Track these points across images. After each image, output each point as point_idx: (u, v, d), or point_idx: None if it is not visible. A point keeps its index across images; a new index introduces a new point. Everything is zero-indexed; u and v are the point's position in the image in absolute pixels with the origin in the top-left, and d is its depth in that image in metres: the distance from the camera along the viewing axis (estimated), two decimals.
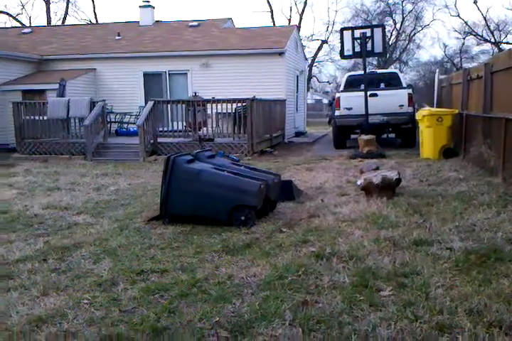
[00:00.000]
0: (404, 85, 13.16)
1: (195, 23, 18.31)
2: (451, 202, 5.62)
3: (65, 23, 35.43)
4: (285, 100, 15.24)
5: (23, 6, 39.48)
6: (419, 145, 10.63)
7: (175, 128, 12.04)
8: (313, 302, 3.10)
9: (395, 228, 4.65)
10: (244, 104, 11.63)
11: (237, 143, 11.62)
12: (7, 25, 34.52)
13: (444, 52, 41.22)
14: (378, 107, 11.62)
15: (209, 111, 12.00)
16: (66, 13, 37.53)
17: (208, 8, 59.27)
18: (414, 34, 40.56)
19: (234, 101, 11.77)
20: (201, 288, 3.38)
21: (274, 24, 37.56)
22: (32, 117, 12.25)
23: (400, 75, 14.10)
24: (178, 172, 5.09)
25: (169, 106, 12.30)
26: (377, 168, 7.20)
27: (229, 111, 11.77)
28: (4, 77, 14.61)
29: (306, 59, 24.76)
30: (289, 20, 40.06)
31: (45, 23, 34.81)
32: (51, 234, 4.95)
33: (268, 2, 40.01)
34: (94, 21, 37.06)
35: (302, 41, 23.99)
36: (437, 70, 18.06)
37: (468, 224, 4.69)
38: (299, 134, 17.98)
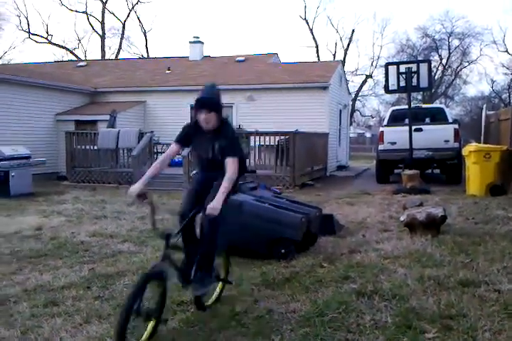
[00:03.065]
0: (450, 120, 12.97)
1: (241, 58, 18.82)
2: (500, 242, 5.43)
3: (118, 57, 37.16)
4: (328, 133, 15.28)
5: (79, 40, 41.81)
6: (464, 181, 10.38)
7: None
8: None
9: (440, 267, 4.52)
10: (286, 136, 11.73)
11: (279, 175, 11.67)
12: (64, 59, 36.55)
13: (492, 87, 40.52)
14: (423, 142, 11.48)
15: (252, 144, 12.15)
16: (120, 47, 39.48)
17: (255, 44, 60.94)
18: (461, 69, 40.20)
19: (277, 133, 11.89)
20: (240, 322, 3.37)
21: (319, 59, 38.11)
22: (83, 146, 12.73)
23: (446, 110, 13.94)
24: None
25: None
26: (421, 204, 7.06)
27: (272, 143, 11.88)
28: (59, 108, 15.34)
29: (350, 93, 24.89)
30: (334, 55, 40.61)
31: (99, 57, 36.61)
32: (96, 261, 5.08)
33: (313, 38, 40.70)
34: (145, 56, 38.71)
35: (346, 76, 24.18)
36: (484, 106, 17.74)
37: None
38: (341, 168, 17.89)
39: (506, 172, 9.40)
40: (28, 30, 37.81)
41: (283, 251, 4.92)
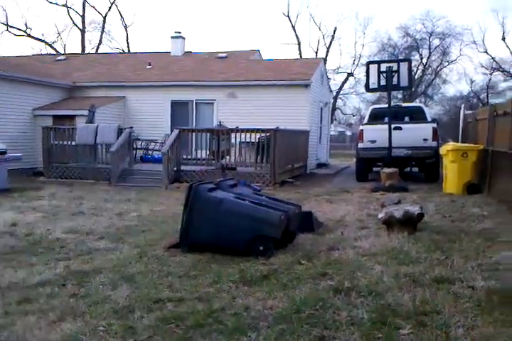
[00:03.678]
0: (429, 119, 13.12)
1: (223, 55, 18.75)
2: (475, 240, 5.52)
3: (99, 52, 36.69)
4: (309, 131, 15.33)
5: (59, 34, 40.94)
6: (442, 180, 10.52)
7: (198, 156, 12.19)
8: (330, 338, 3.05)
9: (416, 264, 4.57)
10: (267, 134, 11.73)
11: (259, 172, 11.67)
12: (43, 52, 35.97)
13: (471, 87, 41.11)
14: (402, 141, 11.59)
15: (233, 141, 12.13)
16: (100, 41, 38.97)
17: (237, 40, 60.72)
18: (441, 69, 40.69)
19: (257, 131, 11.88)
20: (217, 319, 3.36)
21: (301, 56, 38.22)
22: (60, 142, 12.56)
23: (425, 109, 14.09)
24: (199, 200, 5.13)
25: (194, 134, 12.50)
26: (399, 202, 7.12)
27: (252, 140, 11.88)
28: (37, 102, 15.09)
29: (331, 91, 24.98)
30: (316, 53, 40.76)
31: (79, 51, 36.09)
32: (72, 258, 5.01)
33: (296, 35, 40.76)
34: (126, 50, 38.30)
35: (328, 74, 24.28)
36: (463, 105, 18.00)
37: (491, 263, 4.59)
38: (321, 165, 17.97)
39: (483, 171, 9.55)
40: (6, 23, 37.05)
41: (261, 248, 4.92)
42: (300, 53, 40.19)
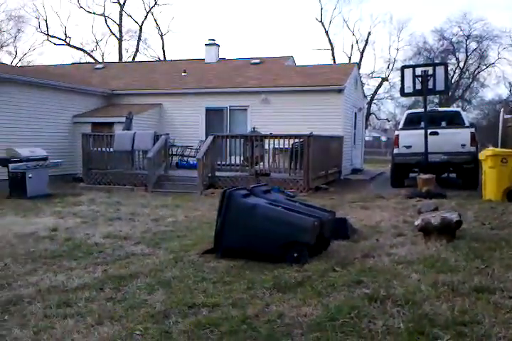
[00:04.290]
0: (467, 124, 12.83)
1: (257, 61, 18.86)
2: None
3: (135, 60, 37.48)
4: (342, 137, 15.21)
5: (97, 42, 41.96)
6: (481, 186, 10.25)
7: (232, 162, 12.27)
8: None
9: (455, 273, 4.46)
10: (301, 140, 11.71)
11: (293, 178, 11.64)
12: (82, 61, 36.99)
13: (510, 91, 40.10)
14: (439, 146, 11.37)
15: (266, 147, 12.16)
16: (137, 50, 39.82)
17: (270, 46, 61.00)
18: (479, 72, 39.78)
19: (291, 136, 11.88)
20: (251, 326, 3.36)
21: (334, 62, 38.06)
22: (99, 148, 12.86)
23: (463, 114, 13.79)
24: (233, 206, 5.16)
25: (228, 140, 12.59)
26: (436, 209, 6.99)
27: (286, 146, 11.88)
28: (76, 110, 15.53)
29: (365, 96, 24.77)
30: (350, 58, 40.46)
31: (116, 59, 36.97)
32: (109, 263, 5.11)
33: (329, 40, 40.58)
34: (162, 58, 38.99)
35: (362, 78, 24.07)
36: (502, 109, 17.52)
37: None
38: (355, 171, 17.79)
39: None
40: (46, 33, 38.39)
41: (295, 254, 4.90)
42: (333, 58, 40.03)
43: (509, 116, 14.94)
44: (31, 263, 5.12)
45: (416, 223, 5.98)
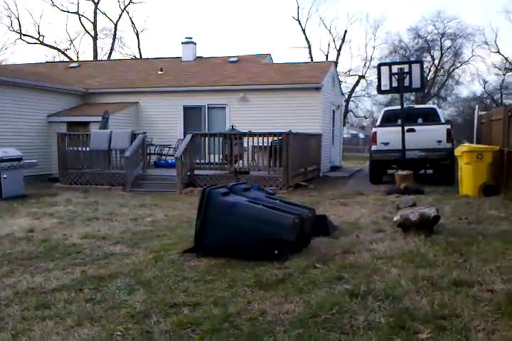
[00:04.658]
0: (442, 121, 13.01)
1: (234, 59, 18.80)
2: (492, 242, 5.44)
3: (111, 58, 37.03)
4: (321, 134, 15.29)
5: (71, 41, 41.36)
6: (457, 182, 10.42)
7: (211, 160, 12.22)
8: None
9: (433, 267, 4.52)
10: (280, 137, 11.72)
11: (272, 176, 11.65)
12: (56, 60, 36.39)
13: (484, 88, 40.82)
14: (416, 142, 11.51)
15: (245, 145, 12.14)
16: (112, 48, 39.37)
17: (248, 44, 60.96)
18: (453, 70, 40.46)
19: (270, 134, 11.88)
20: (233, 324, 3.35)
21: (311, 60, 38.18)
22: (75, 148, 12.66)
23: (439, 111, 13.98)
24: (212, 204, 5.13)
25: (207, 139, 12.53)
26: (414, 205, 7.07)
27: (265, 144, 11.88)
28: (51, 109, 15.26)
29: (343, 94, 24.92)
30: (327, 56, 40.72)
31: (91, 58, 36.47)
32: (88, 263, 5.04)
33: (306, 38, 40.77)
34: (138, 56, 38.60)
35: (339, 76, 24.22)
36: (477, 106, 17.84)
37: (510, 265, 4.52)
38: (334, 168, 17.91)
39: (499, 173, 9.43)
40: (19, 31, 37.63)
41: (276, 252, 4.90)
42: (311, 56, 40.24)
43: (483, 112, 15.22)
44: (8, 265, 5.01)
45: (395, 219, 6.05)
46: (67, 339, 3.17)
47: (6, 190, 10.30)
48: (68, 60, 35.44)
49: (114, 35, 39.31)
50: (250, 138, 12.05)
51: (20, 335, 3.26)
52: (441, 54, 39.49)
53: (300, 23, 40.50)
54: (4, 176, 10.31)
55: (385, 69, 11.44)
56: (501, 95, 38.70)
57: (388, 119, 13.26)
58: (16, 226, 7.09)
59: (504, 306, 3.50)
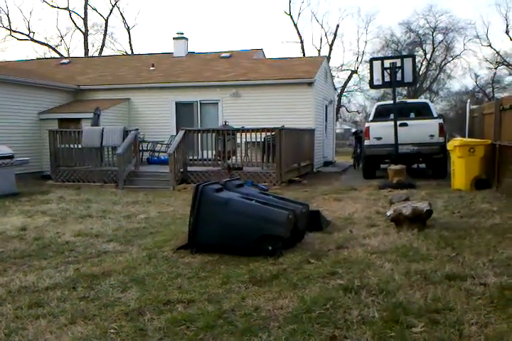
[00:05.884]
0: (435, 115, 13.05)
1: (226, 54, 18.74)
2: (485, 235, 5.47)
3: (102, 54, 36.80)
4: (314, 129, 15.29)
5: (62, 37, 41.05)
6: (450, 175, 10.46)
7: (204, 156, 12.19)
8: (341, 338, 3.03)
9: (427, 261, 4.54)
10: (273, 133, 11.71)
11: (266, 172, 11.64)
12: (47, 56, 36.11)
13: (476, 82, 40.94)
14: (408, 137, 11.54)
15: (238, 140, 12.12)
16: (103, 44, 39.07)
17: (240, 39, 60.73)
18: (445, 64, 40.54)
19: (263, 130, 11.86)
20: (227, 320, 3.35)
21: (304, 55, 38.14)
22: (67, 145, 12.59)
23: (431, 105, 14.01)
24: (206, 201, 5.12)
25: (199, 135, 12.50)
26: (407, 199, 7.09)
27: (258, 140, 11.86)
28: (42, 106, 15.15)
29: (336, 89, 24.92)
30: (319, 50, 40.64)
31: (82, 54, 36.22)
32: (81, 261, 5.01)
33: (298, 33, 40.65)
34: (129, 52, 38.39)
35: (332, 71, 24.19)
36: (468, 100, 17.88)
37: (502, 258, 4.55)
38: (327, 164, 17.93)
39: (491, 166, 9.48)
40: (9, 27, 37.26)
41: (270, 248, 4.90)
42: (303, 51, 40.14)
43: (475, 106, 15.27)
44: (0, 264, 4.98)
45: (388, 213, 6.07)
46: (60, 338, 3.15)
47: None
48: (59, 56, 35.16)
49: (105, 30, 39.06)
50: (243, 134, 12.03)
51: (13, 334, 3.24)
52: (433, 48, 39.57)
53: (292, 18, 40.39)
54: None
55: (377, 64, 11.43)
56: (493, 89, 38.87)
57: (381, 114, 13.27)
58: (8, 225, 7.05)
59: (497, 299, 3.52)
